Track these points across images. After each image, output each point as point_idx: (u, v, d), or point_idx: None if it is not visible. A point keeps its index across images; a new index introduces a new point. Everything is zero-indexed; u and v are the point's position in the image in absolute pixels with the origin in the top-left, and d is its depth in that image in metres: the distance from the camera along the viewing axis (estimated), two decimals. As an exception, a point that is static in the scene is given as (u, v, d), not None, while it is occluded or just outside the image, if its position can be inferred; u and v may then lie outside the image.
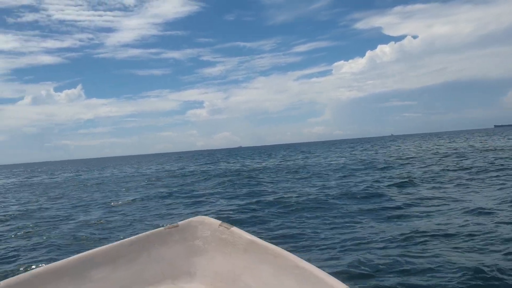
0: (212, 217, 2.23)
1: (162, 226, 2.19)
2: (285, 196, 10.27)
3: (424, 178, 12.39)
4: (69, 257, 1.88)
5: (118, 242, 2.01)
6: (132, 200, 11.98)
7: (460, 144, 36.23)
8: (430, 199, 8.58)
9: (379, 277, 4.13)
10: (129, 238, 2.05)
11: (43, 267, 1.79)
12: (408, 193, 9.56)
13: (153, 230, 2.13)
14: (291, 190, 11.80)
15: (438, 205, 7.76)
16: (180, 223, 2.18)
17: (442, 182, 11.21)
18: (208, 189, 13.86)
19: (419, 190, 9.98)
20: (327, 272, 1.61)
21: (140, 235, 2.08)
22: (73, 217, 9.42)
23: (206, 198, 11.40)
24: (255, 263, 1.89)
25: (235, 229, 2.06)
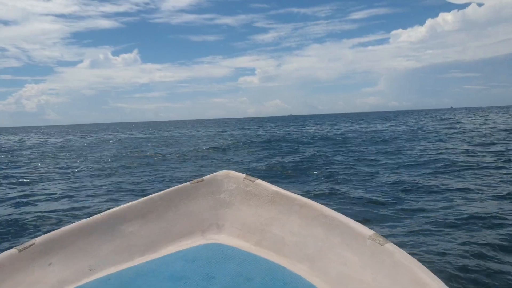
0: (238, 171, 2.23)
1: (188, 181, 2.23)
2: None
3: None
4: (99, 213, 1.94)
5: (147, 197, 2.06)
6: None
7: None
8: None
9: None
10: (157, 193, 2.09)
11: (74, 223, 1.86)
12: None
13: (179, 185, 2.17)
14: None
15: None
16: (205, 177, 2.20)
17: None
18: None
19: None
20: (354, 220, 1.64)
21: (167, 190, 2.12)
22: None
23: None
24: (282, 213, 1.91)
25: (259, 181, 2.07)
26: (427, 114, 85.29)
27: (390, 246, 1.41)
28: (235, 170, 2.23)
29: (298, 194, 1.91)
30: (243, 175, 2.15)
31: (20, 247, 1.67)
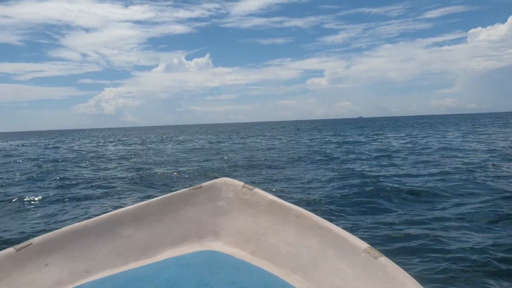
0: (236, 178, 2.22)
1: (186, 187, 2.22)
2: None
3: None
4: (96, 216, 1.98)
5: (145, 202, 2.07)
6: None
7: None
8: None
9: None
10: (155, 198, 2.10)
11: (72, 225, 1.89)
12: None
13: (178, 191, 2.17)
14: None
15: None
16: (203, 184, 2.20)
17: None
18: None
19: None
20: (349, 232, 1.63)
21: (165, 195, 2.13)
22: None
23: None
24: (278, 223, 1.90)
25: (257, 190, 2.05)
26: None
27: (384, 260, 1.42)
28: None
29: (295, 204, 1.88)
30: (242, 183, 2.12)
31: (18, 246, 1.71)
